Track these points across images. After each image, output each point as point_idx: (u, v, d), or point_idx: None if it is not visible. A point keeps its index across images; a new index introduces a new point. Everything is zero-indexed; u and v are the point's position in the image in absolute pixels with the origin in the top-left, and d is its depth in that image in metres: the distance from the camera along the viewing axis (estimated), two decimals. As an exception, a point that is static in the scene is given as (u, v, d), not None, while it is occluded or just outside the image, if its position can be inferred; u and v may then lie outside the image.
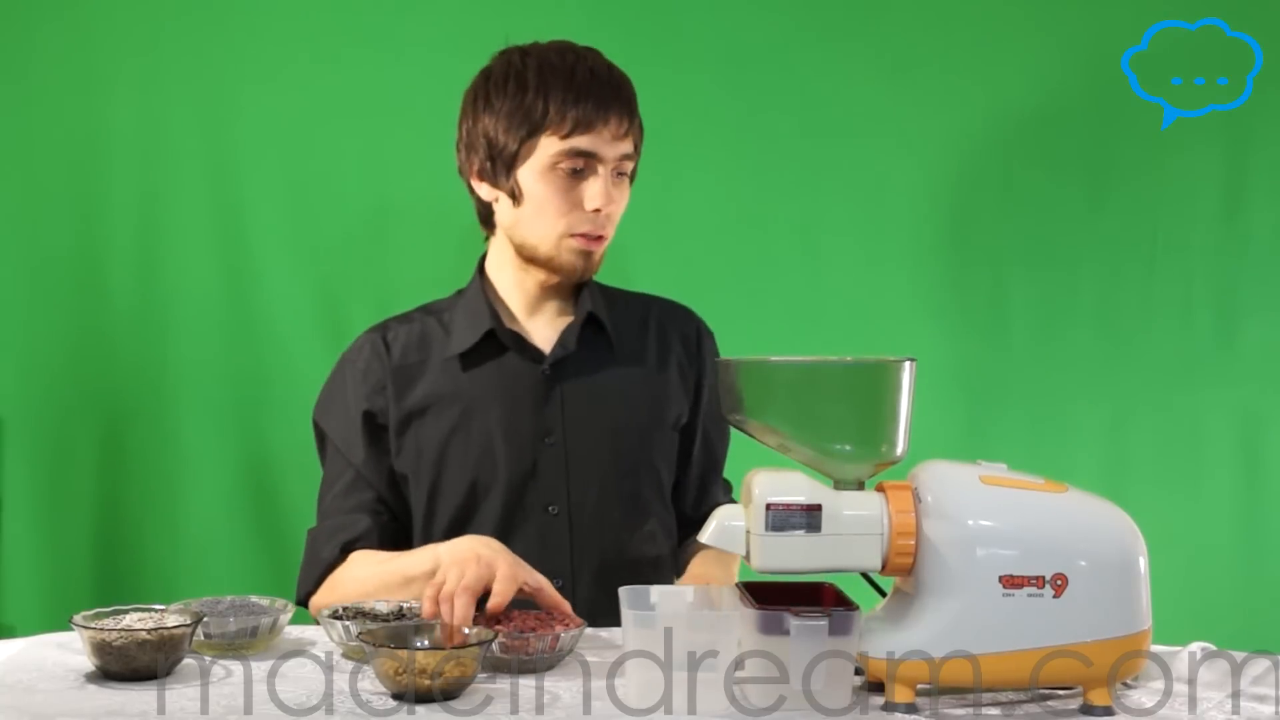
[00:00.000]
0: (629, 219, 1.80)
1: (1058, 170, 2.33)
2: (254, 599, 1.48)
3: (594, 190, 1.67)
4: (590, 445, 1.72)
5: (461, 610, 1.35)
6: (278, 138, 2.29)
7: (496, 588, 1.41)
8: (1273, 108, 2.31)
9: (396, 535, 1.74)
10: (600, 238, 1.70)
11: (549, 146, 1.66)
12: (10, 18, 2.26)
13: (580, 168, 1.67)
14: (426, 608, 1.38)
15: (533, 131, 1.67)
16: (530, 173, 1.68)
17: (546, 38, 1.72)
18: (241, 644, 1.39)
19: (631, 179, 1.75)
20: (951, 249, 2.33)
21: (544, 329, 1.76)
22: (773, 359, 1.30)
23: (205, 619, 1.37)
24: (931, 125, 2.32)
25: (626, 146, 1.69)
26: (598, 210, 1.67)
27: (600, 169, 1.67)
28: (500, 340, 1.73)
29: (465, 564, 1.41)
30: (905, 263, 2.33)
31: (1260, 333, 2.33)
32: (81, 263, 2.27)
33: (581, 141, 1.65)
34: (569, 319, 1.76)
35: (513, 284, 1.76)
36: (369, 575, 1.61)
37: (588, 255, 1.70)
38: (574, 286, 1.77)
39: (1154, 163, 2.33)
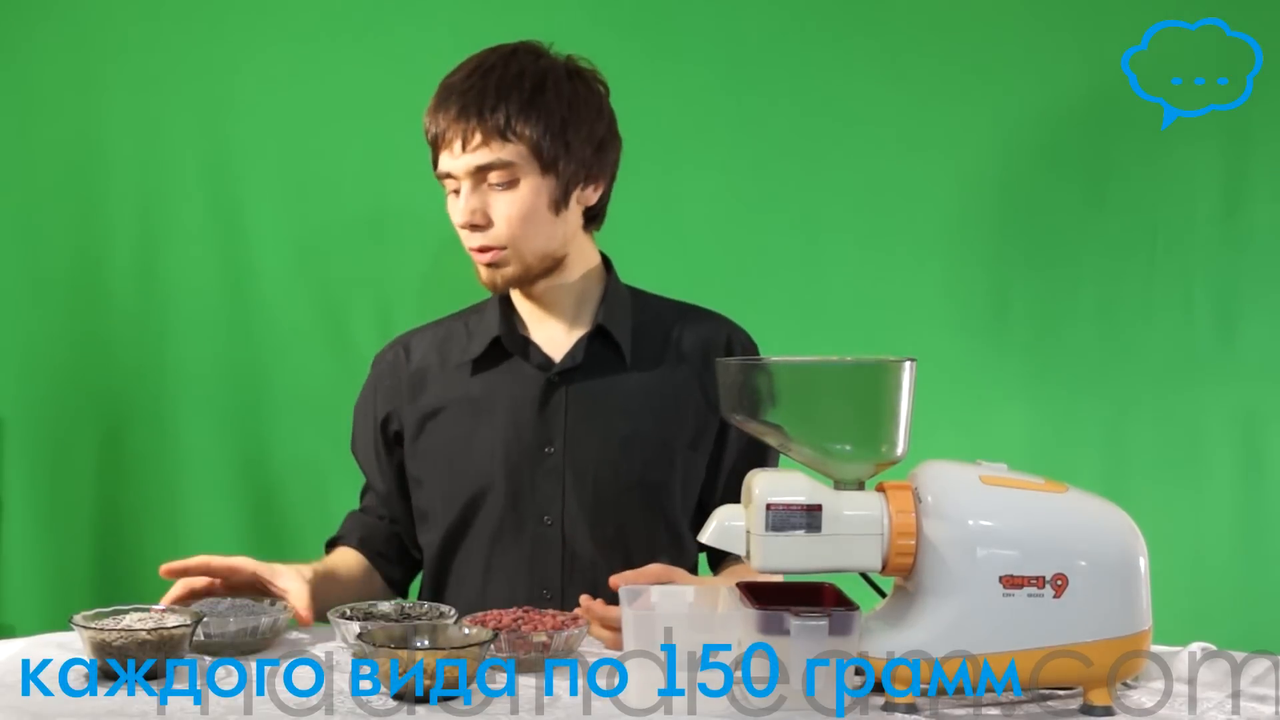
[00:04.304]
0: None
1: (1058, 170, 2.33)
2: (254, 599, 1.48)
3: (455, 206, 1.65)
4: (589, 458, 1.68)
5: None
6: (277, 138, 2.29)
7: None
8: (1273, 108, 2.31)
9: (390, 538, 1.78)
10: (489, 249, 1.64)
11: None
12: (9, 18, 2.26)
13: (451, 186, 1.66)
14: None
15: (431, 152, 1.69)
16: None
17: (547, 38, 1.71)
18: (241, 644, 1.39)
19: (572, 183, 1.65)
20: (952, 248, 2.33)
21: (560, 337, 1.73)
22: (773, 359, 1.30)
23: (205, 619, 1.37)
24: (932, 125, 2.32)
25: (479, 157, 1.61)
26: (465, 226, 1.64)
27: (462, 184, 1.64)
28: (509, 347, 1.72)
29: None
30: (906, 262, 2.33)
31: (1260, 332, 2.33)
32: (81, 263, 2.27)
33: (441, 161, 1.65)
34: (586, 328, 1.72)
35: (519, 292, 1.74)
36: None
37: (489, 268, 1.66)
38: (599, 295, 1.73)
39: (1154, 163, 2.32)
